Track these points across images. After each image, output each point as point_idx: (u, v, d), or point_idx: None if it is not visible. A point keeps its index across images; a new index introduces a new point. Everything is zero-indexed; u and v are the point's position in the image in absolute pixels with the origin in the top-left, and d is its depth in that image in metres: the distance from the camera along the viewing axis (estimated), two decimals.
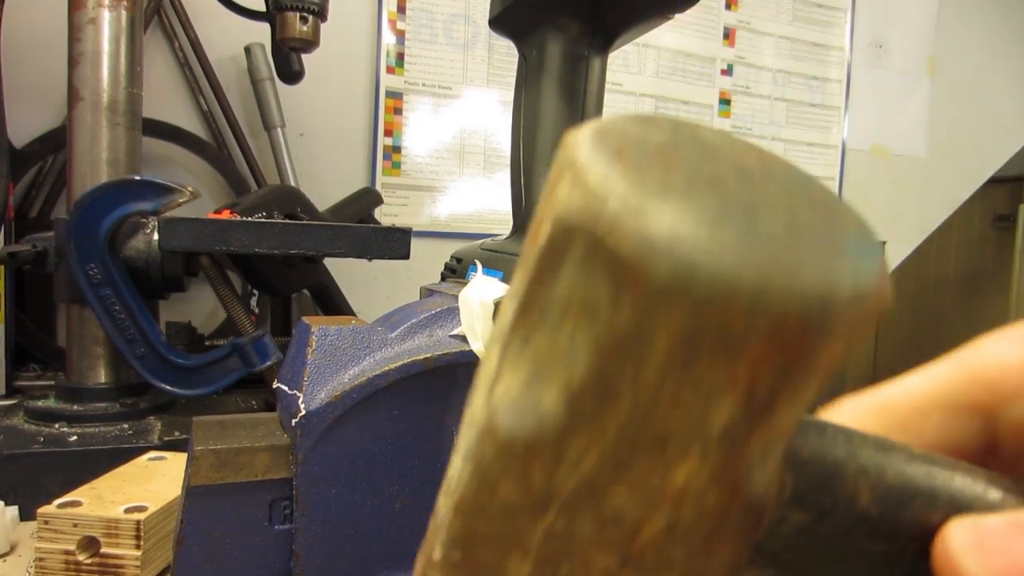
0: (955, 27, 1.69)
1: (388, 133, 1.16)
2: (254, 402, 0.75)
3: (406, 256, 0.67)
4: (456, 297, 0.37)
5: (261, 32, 0.88)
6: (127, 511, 0.44)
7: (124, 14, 0.70)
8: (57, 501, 0.44)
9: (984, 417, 0.15)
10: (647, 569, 0.12)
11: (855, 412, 0.17)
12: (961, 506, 0.13)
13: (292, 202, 0.76)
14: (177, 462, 0.53)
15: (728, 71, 1.45)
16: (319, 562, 0.34)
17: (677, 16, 0.44)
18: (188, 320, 0.86)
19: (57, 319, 0.93)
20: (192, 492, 0.32)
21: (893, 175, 1.66)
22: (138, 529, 0.43)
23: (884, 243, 1.41)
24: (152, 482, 0.49)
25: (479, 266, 0.45)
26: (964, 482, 0.14)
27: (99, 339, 0.68)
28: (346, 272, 0.99)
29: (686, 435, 0.10)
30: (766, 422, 0.11)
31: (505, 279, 0.41)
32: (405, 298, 0.41)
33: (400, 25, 1.16)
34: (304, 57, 0.90)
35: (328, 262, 0.88)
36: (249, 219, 0.66)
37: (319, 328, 0.34)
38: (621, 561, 0.12)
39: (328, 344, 0.34)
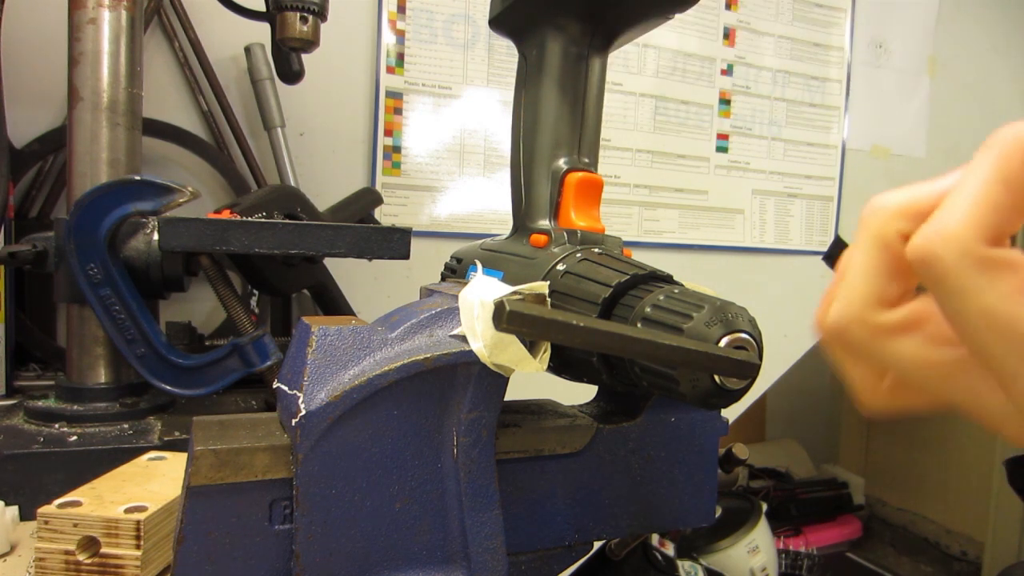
0: (955, 27, 1.69)
1: (388, 133, 1.16)
2: (254, 402, 0.75)
3: (406, 256, 0.67)
4: (456, 297, 0.37)
5: (261, 32, 0.88)
6: (127, 511, 0.44)
7: (124, 14, 0.70)
8: (57, 501, 0.44)
9: None
10: None
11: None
12: None
13: (292, 202, 0.76)
14: (177, 462, 0.53)
15: (728, 71, 1.45)
16: (319, 562, 0.34)
17: (677, 16, 0.44)
18: (188, 320, 0.86)
19: (57, 319, 0.93)
20: (192, 492, 0.32)
21: (893, 175, 1.66)
22: (138, 529, 0.43)
23: None
24: (152, 482, 0.49)
25: (479, 266, 0.45)
26: None
27: (99, 339, 0.68)
28: (346, 272, 0.99)
29: None
30: None
31: (505, 279, 0.41)
32: (405, 298, 0.41)
33: (400, 25, 1.16)
34: (304, 57, 0.90)
35: (328, 262, 0.88)
36: (249, 219, 0.66)
37: (319, 328, 0.34)
38: None
39: (328, 344, 0.34)
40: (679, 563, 1.56)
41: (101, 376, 0.69)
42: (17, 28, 0.90)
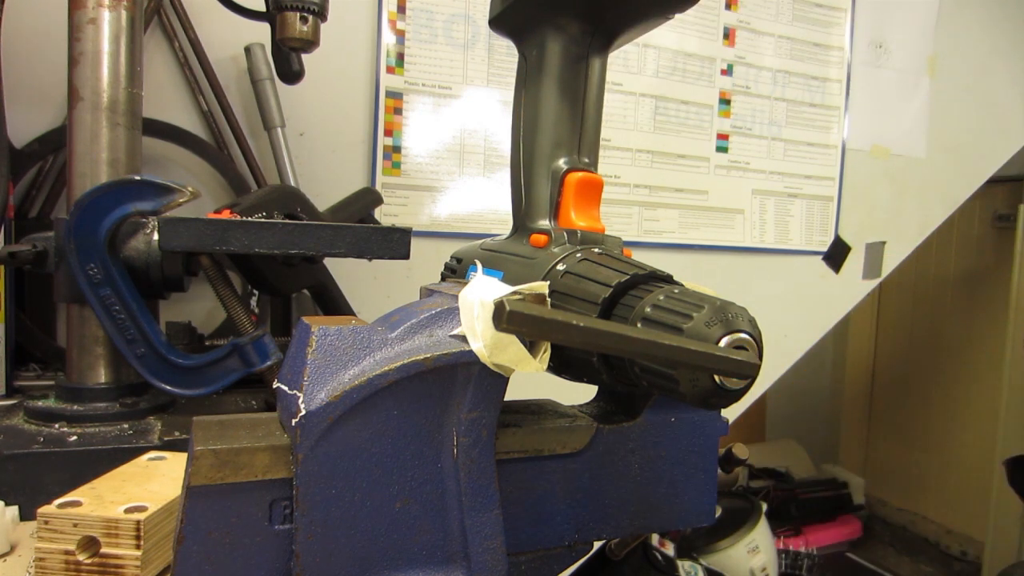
0: (955, 27, 1.69)
1: (388, 133, 1.16)
2: (254, 402, 0.75)
3: (406, 256, 0.67)
4: (456, 297, 0.37)
5: (261, 32, 0.88)
6: (127, 511, 0.44)
7: (124, 14, 0.70)
8: (57, 501, 0.44)
9: None
10: None
11: None
12: None
13: (292, 202, 0.76)
14: (177, 462, 0.53)
15: (728, 71, 1.45)
16: (319, 562, 0.34)
17: (677, 16, 0.44)
18: (188, 320, 0.86)
19: (57, 319, 0.93)
20: (192, 492, 0.32)
21: (893, 175, 1.66)
22: (138, 529, 0.43)
23: (884, 243, 1.40)
24: (152, 482, 0.49)
25: (479, 266, 0.45)
26: None
27: (99, 339, 0.68)
28: (346, 272, 0.99)
29: None
30: None
31: (505, 279, 0.41)
32: (405, 298, 0.41)
33: (400, 25, 1.16)
34: (304, 57, 0.90)
35: (328, 262, 0.88)
36: (249, 219, 0.66)
37: (319, 328, 0.34)
38: None
39: (328, 344, 0.34)
40: (679, 563, 1.56)
41: (101, 376, 0.69)
42: (17, 28, 0.90)
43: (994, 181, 1.83)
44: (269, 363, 0.67)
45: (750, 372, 0.30)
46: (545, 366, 0.35)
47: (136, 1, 0.71)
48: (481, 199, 1.24)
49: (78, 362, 0.69)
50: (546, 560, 0.41)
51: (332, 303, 0.89)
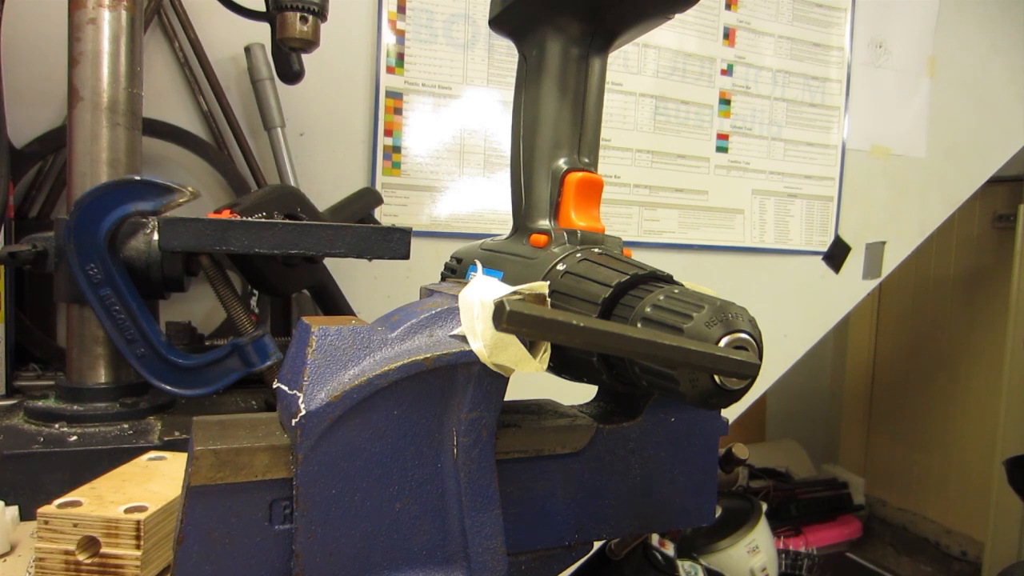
0: (955, 27, 1.69)
1: (388, 133, 1.16)
2: (254, 402, 0.75)
3: (406, 256, 0.67)
4: (456, 297, 0.37)
5: (261, 32, 0.88)
6: (127, 511, 0.44)
7: (124, 14, 0.70)
8: (57, 501, 0.44)
9: None
10: None
11: None
12: None
13: (292, 202, 0.76)
14: (177, 462, 0.53)
15: (728, 71, 1.45)
16: (319, 562, 0.34)
17: (677, 16, 0.44)
18: (188, 320, 0.86)
19: (57, 319, 0.93)
20: (192, 492, 0.32)
21: (893, 175, 1.66)
22: (138, 529, 0.43)
23: (884, 243, 1.40)
24: (152, 482, 0.49)
25: (479, 266, 0.45)
26: None
27: (99, 339, 0.68)
28: (346, 272, 0.99)
29: None
30: None
31: (505, 279, 0.41)
32: (405, 298, 0.41)
33: (400, 25, 1.16)
34: (304, 57, 0.90)
35: (328, 262, 0.88)
36: (249, 219, 0.66)
37: (319, 328, 0.34)
38: None
39: (328, 344, 0.34)
40: (679, 563, 1.56)
41: (101, 376, 0.69)
42: (17, 28, 0.90)
43: (994, 181, 1.83)
44: (269, 363, 0.67)
45: (750, 372, 0.30)
46: (545, 366, 0.35)
47: (136, 1, 0.71)
48: (481, 199, 1.24)
49: (78, 362, 0.69)
50: (546, 560, 0.41)
51: (332, 303, 0.89)
